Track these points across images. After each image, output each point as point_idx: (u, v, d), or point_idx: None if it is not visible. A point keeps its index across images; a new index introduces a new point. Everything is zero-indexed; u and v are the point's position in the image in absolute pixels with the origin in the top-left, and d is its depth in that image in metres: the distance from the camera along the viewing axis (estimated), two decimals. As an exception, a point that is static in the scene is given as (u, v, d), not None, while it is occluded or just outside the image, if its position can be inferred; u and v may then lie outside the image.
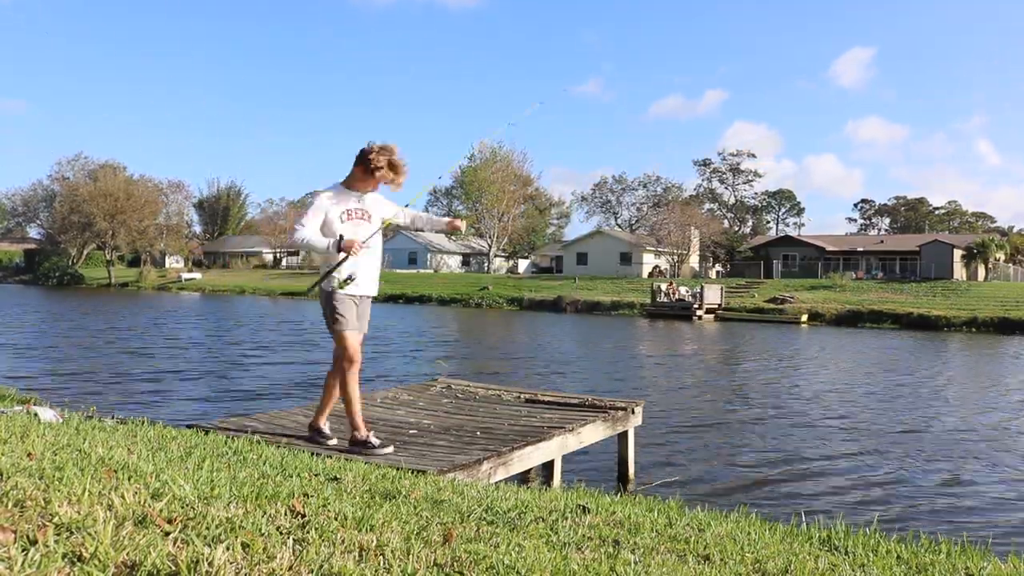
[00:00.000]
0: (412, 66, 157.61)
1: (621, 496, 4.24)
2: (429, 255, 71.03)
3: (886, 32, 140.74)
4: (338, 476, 3.42)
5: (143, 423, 4.79)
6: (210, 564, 1.77)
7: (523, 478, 6.50)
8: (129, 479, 2.57)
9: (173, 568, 1.73)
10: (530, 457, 5.77)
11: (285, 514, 2.39)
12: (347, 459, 4.42)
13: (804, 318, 34.76)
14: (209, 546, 1.88)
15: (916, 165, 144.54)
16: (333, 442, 5.16)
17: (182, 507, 2.26)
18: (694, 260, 61.19)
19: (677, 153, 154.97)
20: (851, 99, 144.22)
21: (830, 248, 58.70)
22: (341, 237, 4.80)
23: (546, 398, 7.68)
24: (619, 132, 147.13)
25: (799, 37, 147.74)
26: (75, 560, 1.71)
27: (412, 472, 4.17)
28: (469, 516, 2.84)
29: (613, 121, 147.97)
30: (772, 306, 38.03)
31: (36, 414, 4.35)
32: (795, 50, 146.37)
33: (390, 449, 4.99)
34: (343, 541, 2.14)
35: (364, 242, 4.87)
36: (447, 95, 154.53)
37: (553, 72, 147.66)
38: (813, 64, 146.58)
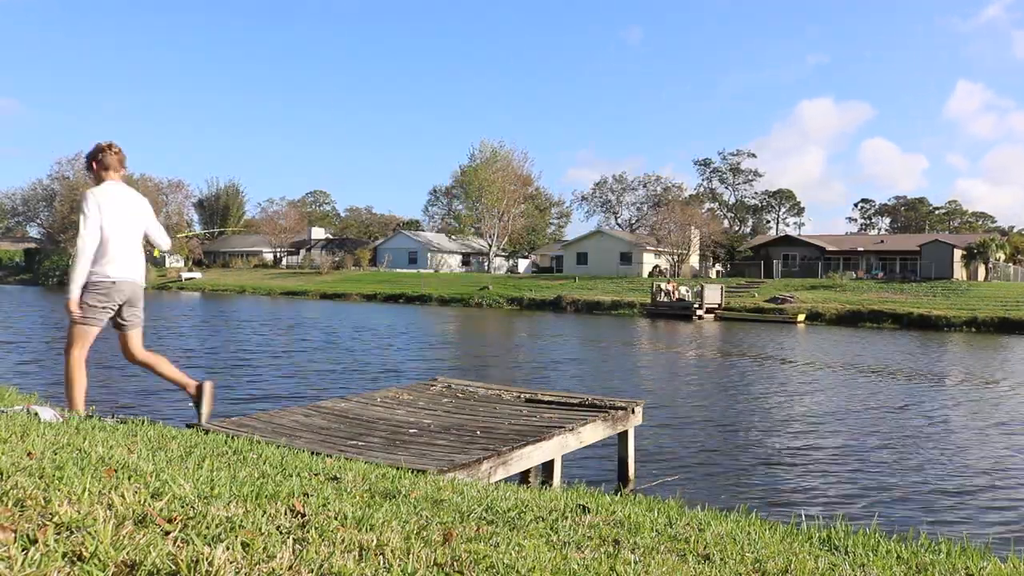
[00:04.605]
0: (413, 65, 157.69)
1: (621, 496, 4.24)
2: (429, 255, 70.97)
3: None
4: (338, 476, 3.42)
5: (143, 422, 4.78)
6: (210, 563, 1.77)
7: (523, 478, 6.50)
8: (129, 478, 2.57)
9: (173, 567, 1.73)
10: (530, 457, 5.77)
11: (285, 513, 2.38)
12: (347, 459, 4.43)
13: (801, 318, 34.77)
14: (209, 545, 1.88)
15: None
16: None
17: (182, 506, 2.26)
18: (694, 260, 61.17)
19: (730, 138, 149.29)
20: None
21: (830, 248, 58.69)
22: None
23: (546, 398, 7.68)
24: (658, 110, 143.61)
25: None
26: (75, 559, 1.71)
27: (412, 472, 4.17)
28: (469, 516, 2.84)
29: (653, 91, 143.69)
30: (772, 306, 38.03)
31: (36, 413, 4.35)
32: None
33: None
34: (343, 541, 2.14)
35: None
36: (448, 95, 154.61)
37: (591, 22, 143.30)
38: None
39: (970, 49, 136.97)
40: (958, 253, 49.12)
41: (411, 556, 2.09)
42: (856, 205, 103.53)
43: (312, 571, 1.87)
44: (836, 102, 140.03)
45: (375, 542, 2.18)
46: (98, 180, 5.37)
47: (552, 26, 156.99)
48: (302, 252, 76.96)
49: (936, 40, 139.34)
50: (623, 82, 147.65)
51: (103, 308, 5.04)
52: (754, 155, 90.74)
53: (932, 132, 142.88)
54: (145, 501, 2.25)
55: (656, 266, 58.78)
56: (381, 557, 2.06)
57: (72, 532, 1.87)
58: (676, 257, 57.55)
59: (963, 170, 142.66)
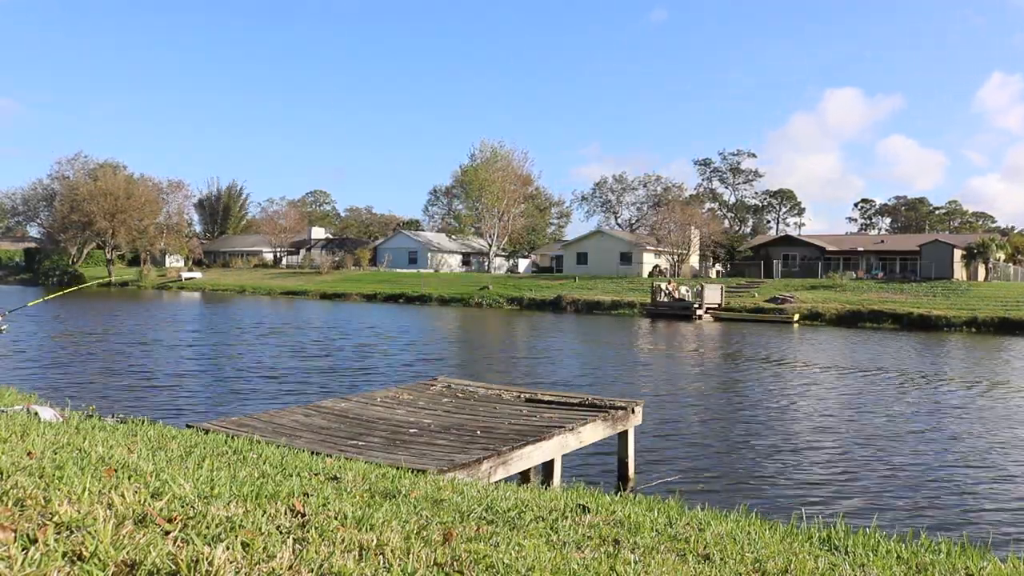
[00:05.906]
0: (413, 65, 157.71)
1: (621, 495, 4.24)
2: (429, 254, 70.96)
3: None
4: (338, 475, 3.43)
5: (143, 422, 4.79)
6: (210, 563, 1.77)
7: (523, 477, 6.50)
8: (129, 478, 2.57)
9: (173, 567, 1.73)
10: (530, 456, 5.77)
11: (285, 513, 2.39)
12: (347, 459, 4.43)
13: (795, 318, 34.83)
14: (209, 545, 1.88)
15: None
16: None
17: (182, 506, 2.26)
18: (694, 260, 61.17)
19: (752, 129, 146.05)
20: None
21: (830, 248, 58.69)
22: None
23: (546, 397, 7.68)
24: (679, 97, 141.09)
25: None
26: (75, 559, 1.71)
27: (412, 471, 4.17)
28: (469, 515, 2.84)
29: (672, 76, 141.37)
30: (772, 306, 38.04)
31: (36, 413, 4.35)
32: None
33: None
34: (343, 540, 2.14)
35: None
36: (448, 95, 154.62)
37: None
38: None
39: (1016, 39, 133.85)
40: (958, 253, 49.11)
41: (411, 556, 2.09)
42: (856, 205, 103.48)
43: (312, 571, 1.87)
44: (866, 95, 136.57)
45: (375, 542, 2.18)
46: None
47: (553, 25, 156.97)
48: (302, 252, 76.98)
49: (975, 35, 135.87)
50: (627, 80, 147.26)
51: None
52: (754, 155, 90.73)
53: (957, 126, 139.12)
54: (145, 501, 2.25)
55: (656, 266, 58.79)
56: (381, 557, 2.06)
57: (72, 532, 1.87)
58: (676, 257, 57.56)
59: (983, 166, 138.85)
